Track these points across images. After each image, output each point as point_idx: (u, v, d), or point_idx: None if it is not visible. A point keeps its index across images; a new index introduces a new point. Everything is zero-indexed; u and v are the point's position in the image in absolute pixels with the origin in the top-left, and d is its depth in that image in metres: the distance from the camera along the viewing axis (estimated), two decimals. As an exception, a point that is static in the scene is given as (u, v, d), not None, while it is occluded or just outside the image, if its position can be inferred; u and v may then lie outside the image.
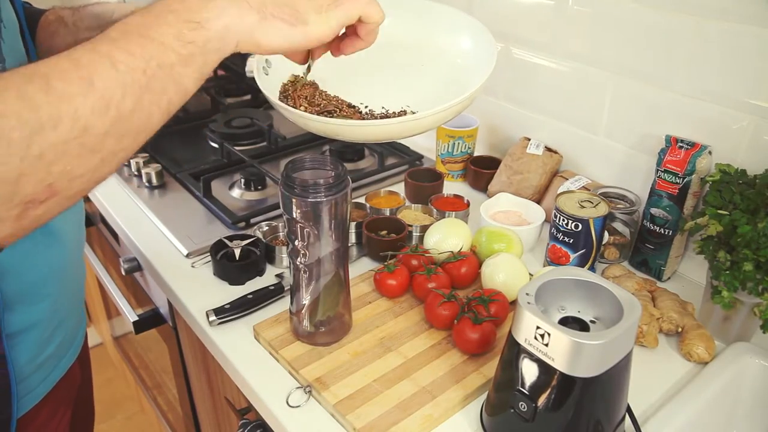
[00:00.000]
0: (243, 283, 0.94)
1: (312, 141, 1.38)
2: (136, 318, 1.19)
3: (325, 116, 0.66)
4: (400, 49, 0.68)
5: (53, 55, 0.46)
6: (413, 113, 0.68)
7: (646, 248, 0.97)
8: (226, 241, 0.97)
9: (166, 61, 0.49)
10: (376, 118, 0.69)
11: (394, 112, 0.71)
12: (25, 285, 0.70)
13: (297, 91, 0.69)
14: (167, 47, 0.49)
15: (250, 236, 0.99)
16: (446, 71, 0.80)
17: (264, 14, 0.52)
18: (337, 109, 0.69)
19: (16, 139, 0.41)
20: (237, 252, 0.95)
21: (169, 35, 0.49)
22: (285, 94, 0.69)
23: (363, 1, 0.58)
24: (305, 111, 0.65)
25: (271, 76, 0.70)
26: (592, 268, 0.94)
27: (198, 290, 0.94)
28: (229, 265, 0.94)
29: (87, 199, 1.29)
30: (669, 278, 0.98)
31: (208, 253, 0.97)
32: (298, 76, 0.70)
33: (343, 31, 0.63)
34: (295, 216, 0.73)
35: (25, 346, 0.72)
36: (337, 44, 0.65)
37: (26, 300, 0.71)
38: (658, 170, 0.93)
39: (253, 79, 0.70)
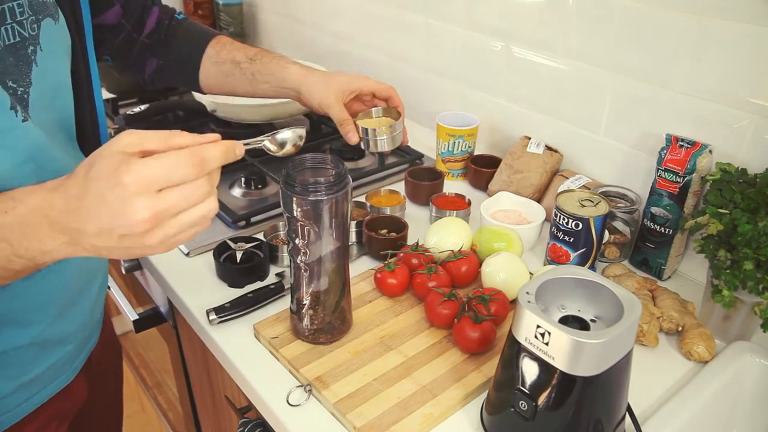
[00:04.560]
0: (243, 287, 0.94)
1: (312, 140, 1.38)
2: (137, 317, 1.19)
3: None
4: None
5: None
6: None
7: (646, 247, 0.97)
8: (230, 242, 0.97)
9: None
10: None
11: None
12: (10, 311, 0.69)
13: None
14: None
15: (254, 239, 0.99)
16: None
17: (99, 254, 0.54)
18: None
19: None
20: (239, 255, 0.95)
21: None
22: None
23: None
24: None
25: None
26: (592, 267, 0.94)
27: (198, 289, 0.94)
28: (231, 267, 0.94)
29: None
30: (669, 277, 0.98)
31: (209, 252, 0.97)
32: None
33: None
34: (295, 214, 0.73)
35: (2, 368, 0.70)
36: None
37: (10, 324, 0.69)
38: (658, 169, 0.93)
39: None
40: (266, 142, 0.65)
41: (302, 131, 0.68)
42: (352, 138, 0.93)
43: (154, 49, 0.95)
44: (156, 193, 0.49)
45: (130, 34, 0.92)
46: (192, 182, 0.51)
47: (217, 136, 0.55)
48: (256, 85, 0.98)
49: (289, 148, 0.67)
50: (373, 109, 1.01)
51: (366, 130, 0.94)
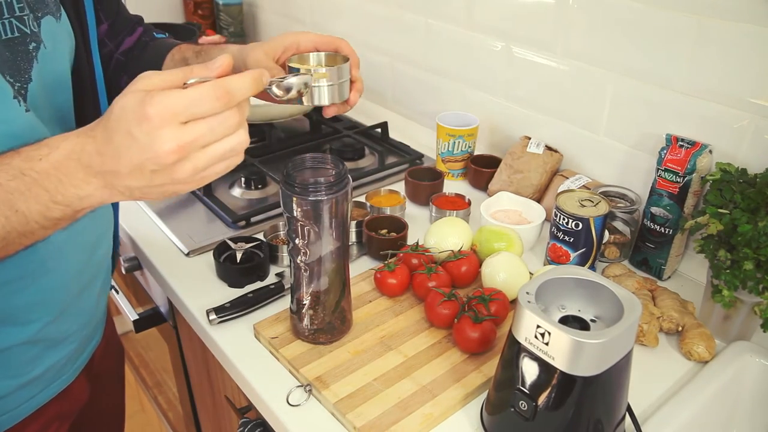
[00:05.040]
0: (243, 287, 0.94)
1: (312, 140, 1.38)
2: (137, 317, 1.19)
3: None
4: None
5: None
6: None
7: (646, 247, 0.97)
8: (230, 242, 0.97)
9: (29, 229, 0.53)
10: None
11: None
12: (8, 309, 0.68)
13: None
14: (31, 220, 0.53)
15: (254, 239, 0.99)
16: None
17: (133, 196, 0.54)
18: None
19: None
20: (239, 255, 0.95)
21: (36, 211, 0.53)
22: None
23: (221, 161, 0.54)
24: None
25: None
26: (592, 267, 0.94)
27: (198, 289, 0.94)
28: (231, 267, 0.94)
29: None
30: (669, 277, 0.98)
31: (209, 252, 0.97)
32: None
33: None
34: (295, 214, 0.73)
35: (1, 368, 0.70)
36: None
37: (8, 322, 0.69)
38: (658, 169, 0.93)
39: None
40: (273, 87, 0.64)
41: (308, 78, 0.66)
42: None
43: (126, 66, 0.93)
44: (181, 125, 0.50)
45: (110, 51, 0.91)
46: (219, 114, 0.51)
47: (227, 59, 0.55)
48: None
49: (293, 94, 0.65)
50: (311, 54, 0.77)
51: (296, 71, 0.69)
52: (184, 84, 0.52)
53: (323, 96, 0.70)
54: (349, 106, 0.76)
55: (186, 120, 0.50)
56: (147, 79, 0.52)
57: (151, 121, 0.49)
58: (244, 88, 0.52)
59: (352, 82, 0.74)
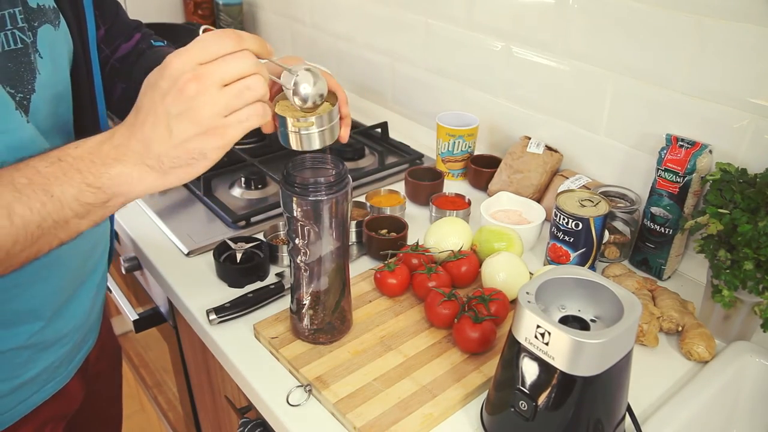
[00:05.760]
0: (243, 287, 0.94)
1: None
2: (137, 317, 1.19)
3: None
4: None
5: None
6: None
7: (646, 247, 0.97)
8: (230, 242, 0.97)
9: (63, 216, 0.54)
10: None
11: None
12: (0, 314, 0.68)
13: None
14: (65, 206, 0.54)
15: (254, 239, 0.99)
16: None
17: (163, 170, 0.55)
18: None
19: None
20: (239, 255, 0.95)
21: (70, 195, 0.54)
22: None
23: (252, 110, 0.56)
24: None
25: None
26: (592, 267, 0.94)
27: (198, 289, 0.94)
28: (231, 267, 0.94)
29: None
30: (669, 277, 0.98)
31: (209, 252, 0.97)
32: None
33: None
34: (295, 214, 0.73)
35: None
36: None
37: (1, 327, 0.69)
38: (658, 169, 0.93)
39: None
40: (295, 99, 0.63)
41: (324, 89, 0.64)
42: (264, 127, 0.70)
43: (120, 72, 0.91)
44: (198, 65, 0.53)
45: (106, 57, 0.90)
46: (232, 54, 0.54)
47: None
48: None
49: (309, 104, 0.64)
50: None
51: (283, 119, 0.65)
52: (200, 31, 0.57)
53: (314, 142, 0.68)
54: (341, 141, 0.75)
55: (202, 62, 0.53)
56: None
57: (170, 65, 0.53)
58: (251, 37, 0.56)
59: (341, 118, 0.72)
